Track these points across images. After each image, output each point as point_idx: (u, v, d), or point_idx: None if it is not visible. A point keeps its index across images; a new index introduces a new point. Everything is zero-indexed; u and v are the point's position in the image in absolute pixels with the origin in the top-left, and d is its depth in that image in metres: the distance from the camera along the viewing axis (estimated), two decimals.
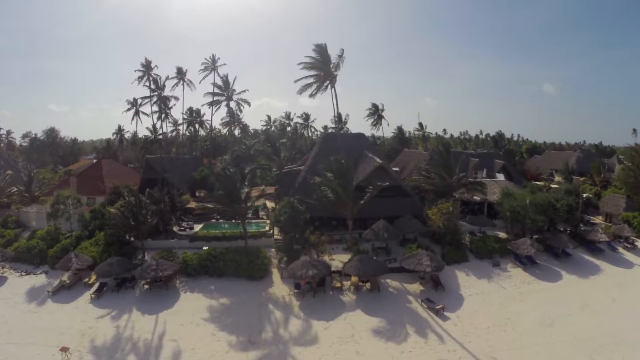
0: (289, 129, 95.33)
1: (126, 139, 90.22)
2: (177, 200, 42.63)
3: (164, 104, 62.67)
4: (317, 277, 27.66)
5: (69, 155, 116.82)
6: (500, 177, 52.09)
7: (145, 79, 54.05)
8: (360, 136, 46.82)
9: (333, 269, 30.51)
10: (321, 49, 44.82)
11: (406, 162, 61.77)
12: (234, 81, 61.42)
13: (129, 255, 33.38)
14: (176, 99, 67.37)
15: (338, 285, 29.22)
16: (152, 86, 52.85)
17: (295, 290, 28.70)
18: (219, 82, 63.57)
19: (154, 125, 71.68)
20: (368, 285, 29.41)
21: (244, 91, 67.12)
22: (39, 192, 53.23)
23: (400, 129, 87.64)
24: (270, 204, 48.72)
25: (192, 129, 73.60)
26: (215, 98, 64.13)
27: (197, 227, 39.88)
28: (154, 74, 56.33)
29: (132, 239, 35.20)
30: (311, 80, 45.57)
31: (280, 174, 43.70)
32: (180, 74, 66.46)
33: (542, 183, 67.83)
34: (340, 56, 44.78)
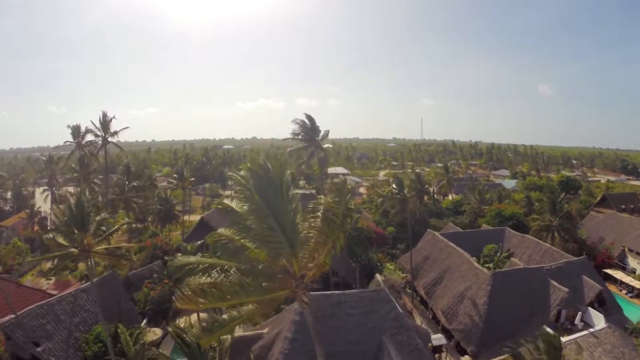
0: None
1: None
2: None
3: None
4: None
5: (19, 199, 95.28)
6: (600, 320, 32.72)
7: None
8: (379, 300, 25.34)
9: None
10: None
11: (440, 263, 42.23)
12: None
13: None
14: None
15: None
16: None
17: None
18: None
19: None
20: None
21: None
22: None
23: (418, 176, 67.83)
24: None
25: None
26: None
27: None
28: None
29: None
30: None
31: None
32: (76, 136, 46.51)
33: (616, 272, 49.90)
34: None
